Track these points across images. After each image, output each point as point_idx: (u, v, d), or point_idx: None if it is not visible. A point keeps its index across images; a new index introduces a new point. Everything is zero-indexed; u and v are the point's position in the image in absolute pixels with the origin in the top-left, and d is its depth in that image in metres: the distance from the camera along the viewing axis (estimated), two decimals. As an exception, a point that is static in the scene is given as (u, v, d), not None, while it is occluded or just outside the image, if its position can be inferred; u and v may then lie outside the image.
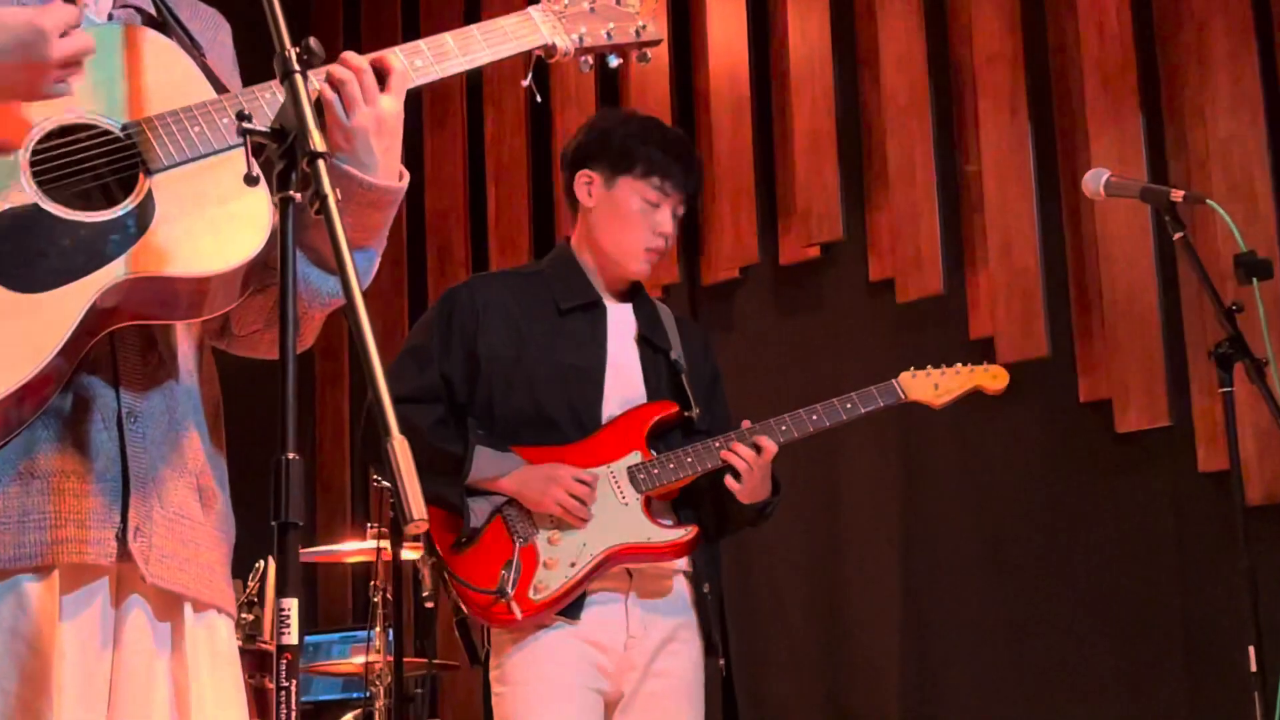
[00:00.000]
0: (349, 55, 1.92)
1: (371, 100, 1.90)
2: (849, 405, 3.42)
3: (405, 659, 4.48)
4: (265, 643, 4.54)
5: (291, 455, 1.57)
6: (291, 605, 1.55)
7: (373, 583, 4.46)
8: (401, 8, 6.61)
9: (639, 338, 3.48)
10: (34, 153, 1.79)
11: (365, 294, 1.60)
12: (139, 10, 1.99)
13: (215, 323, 1.99)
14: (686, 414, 3.43)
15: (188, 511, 1.89)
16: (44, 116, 1.80)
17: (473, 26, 2.06)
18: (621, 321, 3.48)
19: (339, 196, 1.63)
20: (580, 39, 2.14)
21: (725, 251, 5.44)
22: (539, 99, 2.21)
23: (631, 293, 3.53)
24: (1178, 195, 3.34)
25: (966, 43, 4.99)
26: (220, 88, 1.93)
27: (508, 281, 3.54)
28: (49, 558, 1.77)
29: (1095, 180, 3.49)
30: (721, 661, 3.41)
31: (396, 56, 1.96)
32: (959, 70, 5.02)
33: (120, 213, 1.80)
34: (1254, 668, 3.17)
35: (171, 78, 1.88)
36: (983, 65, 4.93)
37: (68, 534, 1.78)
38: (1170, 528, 4.48)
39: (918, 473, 4.93)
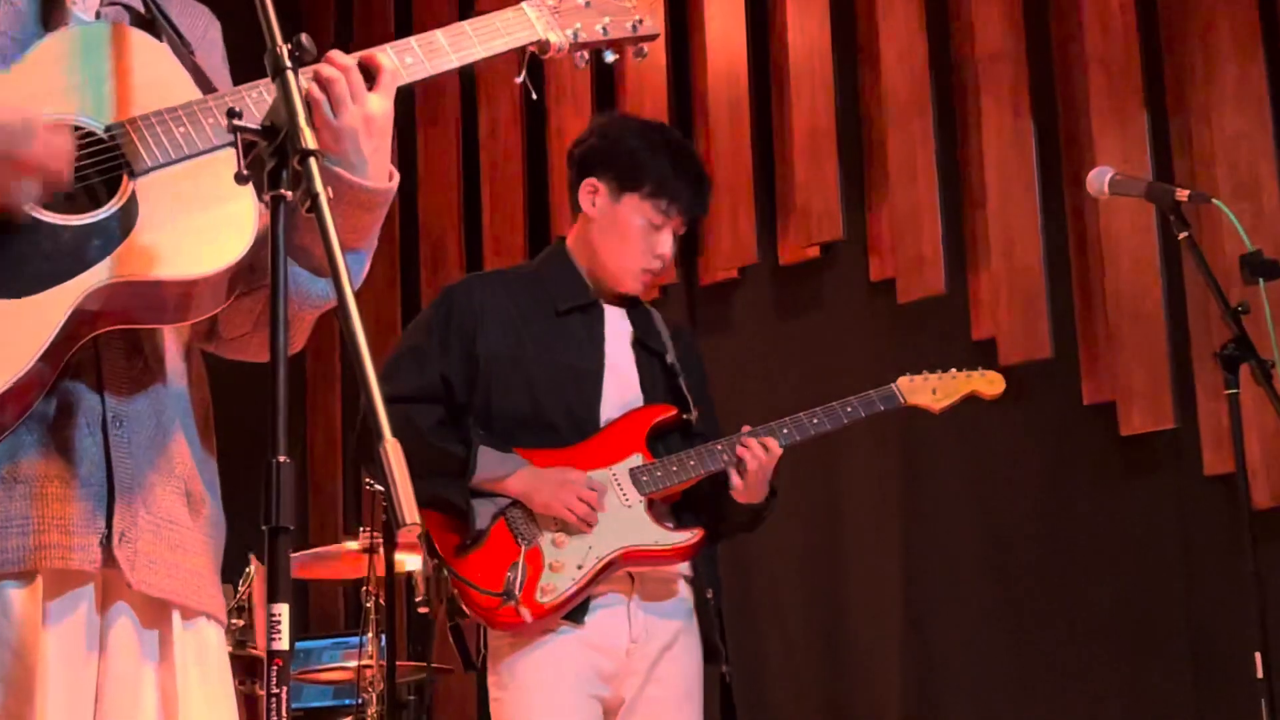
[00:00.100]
0: (335, 54, 1.89)
1: (360, 100, 1.87)
2: (849, 409, 3.44)
3: (398, 663, 4.44)
4: (255, 648, 4.51)
5: (282, 458, 1.56)
6: (282, 611, 1.54)
7: (364, 588, 4.42)
8: (394, 3, 6.58)
9: (635, 341, 3.47)
10: None
11: (357, 295, 1.58)
12: (128, 8, 1.97)
13: (203, 326, 1.97)
14: (685, 416, 3.43)
15: (175, 516, 1.88)
16: None
17: (465, 22, 2.04)
18: (618, 324, 3.48)
19: (330, 195, 1.61)
20: (575, 34, 2.12)
21: (723, 252, 5.41)
22: (534, 96, 2.18)
23: (626, 296, 3.52)
24: (1183, 194, 3.33)
25: (968, 39, 4.97)
26: (208, 87, 1.91)
27: (504, 281, 3.53)
28: (32, 563, 1.75)
29: (1099, 179, 3.48)
30: (726, 668, 3.42)
31: (386, 54, 1.94)
32: (961, 67, 5.00)
33: (103, 216, 1.78)
34: (1260, 674, 3.15)
35: (157, 78, 1.86)
36: (985, 61, 4.91)
37: (51, 539, 1.76)
38: (1175, 532, 4.46)
39: (919, 476, 4.92)
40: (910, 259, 4.98)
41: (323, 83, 1.87)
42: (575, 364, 3.38)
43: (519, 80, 2.11)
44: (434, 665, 4.79)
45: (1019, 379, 3.91)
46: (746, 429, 3.37)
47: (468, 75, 6.12)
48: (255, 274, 1.86)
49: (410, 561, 4.53)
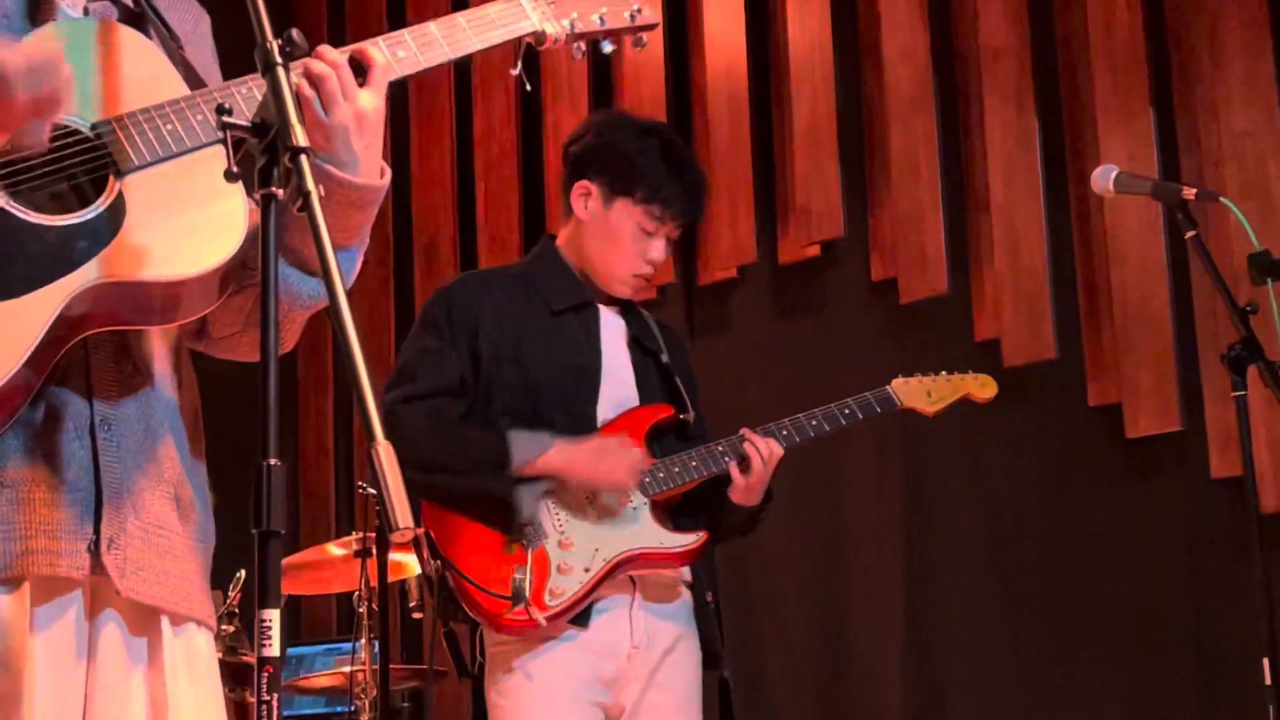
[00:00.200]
0: (325, 49, 1.88)
1: (351, 96, 1.86)
2: (847, 411, 3.45)
3: (392, 669, 4.41)
4: (246, 654, 4.48)
5: (273, 461, 1.55)
6: (273, 616, 1.53)
7: (356, 593, 4.39)
8: (387, -5, 6.55)
9: (631, 340, 3.47)
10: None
11: (348, 293, 1.58)
12: (116, 3, 1.96)
13: (192, 325, 1.95)
14: (682, 416, 3.42)
15: (164, 522, 1.86)
16: None
17: (459, 14, 2.02)
18: (613, 324, 3.47)
19: (322, 193, 1.60)
20: (572, 24, 2.10)
21: (722, 251, 5.38)
22: (529, 88, 2.15)
23: (619, 297, 3.51)
24: (1190, 193, 3.31)
25: (971, 35, 4.94)
26: (198, 83, 1.89)
27: (498, 281, 3.51)
28: (18, 569, 1.73)
29: (1104, 177, 3.46)
30: (726, 674, 3.41)
31: (378, 48, 1.92)
32: (964, 63, 4.97)
33: (89, 215, 1.76)
34: (1268, 680, 3.12)
35: (145, 75, 1.84)
36: (988, 58, 4.88)
37: (38, 545, 1.75)
38: (1181, 536, 4.44)
39: (921, 478, 4.90)
40: (912, 258, 4.95)
41: (313, 79, 1.86)
42: (573, 362, 3.36)
43: (514, 72, 2.09)
44: (434, 669, 4.76)
45: (1023, 380, 3.89)
46: (744, 432, 3.36)
47: (463, 71, 6.10)
48: (246, 272, 1.85)
49: (411, 563, 4.49)
